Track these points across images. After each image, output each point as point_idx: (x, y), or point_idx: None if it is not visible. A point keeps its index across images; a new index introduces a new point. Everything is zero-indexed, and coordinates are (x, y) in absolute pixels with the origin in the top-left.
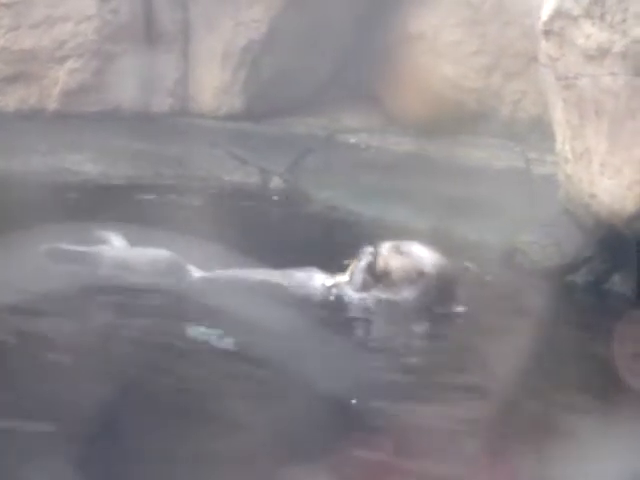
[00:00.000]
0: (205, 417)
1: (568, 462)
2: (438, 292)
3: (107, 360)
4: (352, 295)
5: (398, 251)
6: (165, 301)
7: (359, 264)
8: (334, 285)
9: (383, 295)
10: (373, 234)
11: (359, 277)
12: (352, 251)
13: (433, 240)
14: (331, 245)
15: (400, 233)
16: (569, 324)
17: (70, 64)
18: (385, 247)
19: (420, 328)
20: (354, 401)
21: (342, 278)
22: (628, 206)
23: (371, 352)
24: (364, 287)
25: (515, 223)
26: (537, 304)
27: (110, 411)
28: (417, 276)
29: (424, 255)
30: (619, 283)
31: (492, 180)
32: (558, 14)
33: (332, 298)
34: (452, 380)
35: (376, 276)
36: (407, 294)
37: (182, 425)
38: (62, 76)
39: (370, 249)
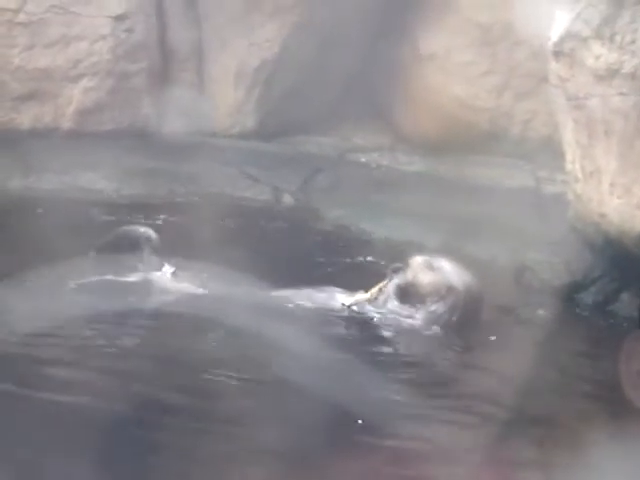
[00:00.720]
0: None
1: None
2: (465, 309)
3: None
4: (373, 313)
5: (429, 266)
6: (182, 321)
7: (389, 283)
8: (354, 303)
9: (405, 312)
10: (384, 252)
11: (387, 294)
12: (363, 269)
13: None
14: (342, 263)
15: (410, 251)
16: (576, 342)
17: (84, 83)
18: (415, 261)
19: (439, 347)
20: (360, 421)
21: (363, 296)
22: (637, 225)
23: (387, 369)
24: (393, 304)
25: (525, 242)
26: (545, 322)
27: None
28: (446, 292)
29: (453, 271)
30: (628, 302)
31: (502, 199)
32: (568, 35)
33: (353, 316)
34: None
35: (405, 294)
36: (435, 309)
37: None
38: (76, 95)
39: (398, 267)
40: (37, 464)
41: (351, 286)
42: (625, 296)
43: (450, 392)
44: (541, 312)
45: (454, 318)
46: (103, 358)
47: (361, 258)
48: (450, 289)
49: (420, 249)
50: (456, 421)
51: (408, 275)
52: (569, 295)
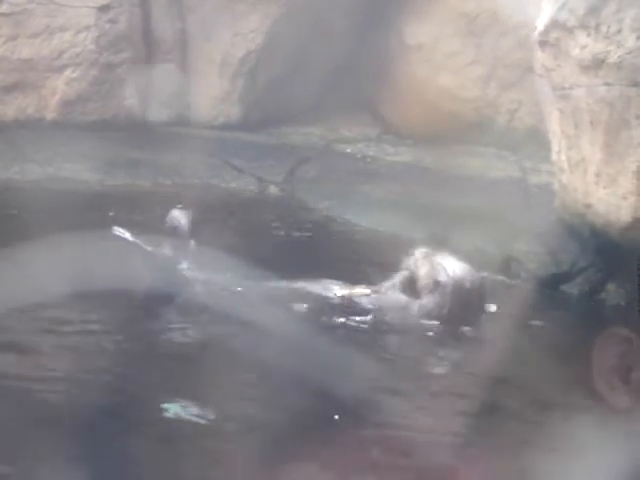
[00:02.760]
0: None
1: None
2: (455, 302)
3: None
4: (369, 305)
5: (426, 258)
6: (176, 309)
7: (397, 277)
8: (349, 296)
9: (400, 304)
10: (369, 243)
11: (393, 287)
12: (348, 260)
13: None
14: (328, 254)
15: (396, 242)
16: (562, 333)
17: (68, 74)
18: (417, 254)
19: (428, 340)
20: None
21: (361, 291)
22: (623, 216)
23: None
24: (393, 296)
25: (511, 232)
26: (531, 313)
27: None
28: (434, 285)
29: (448, 265)
30: (614, 292)
31: (488, 189)
32: (554, 25)
33: (348, 308)
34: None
35: (407, 286)
36: (426, 301)
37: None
38: (60, 85)
39: (410, 262)
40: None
41: (337, 277)
42: (611, 286)
43: (421, 385)
44: (526, 302)
45: (444, 311)
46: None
47: (346, 249)
48: (438, 282)
49: (406, 240)
50: (423, 411)
51: (410, 267)
52: (555, 285)
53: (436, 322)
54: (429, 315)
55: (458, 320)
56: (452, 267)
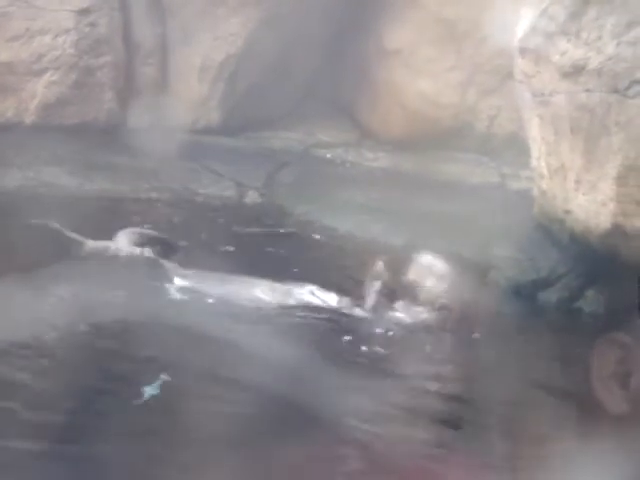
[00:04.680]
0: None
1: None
2: (456, 324)
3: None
4: (356, 314)
5: (432, 271)
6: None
7: (372, 284)
8: (338, 303)
9: (390, 314)
10: (348, 249)
11: (373, 297)
12: (327, 266)
13: (408, 256)
14: (306, 260)
15: (375, 248)
16: (540, 340)
17: (48, 77)
18: (420, 261)
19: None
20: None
21: (343, 298)
22: (602, 222)
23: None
24: (377, 307)
25: (490, 238)
26: (509, 320)
27: None
28: (441, 306)
29: (454, 283)
30: (593, 299)
31: (467, 195)
32: (534, 31)
33: (335, 317)
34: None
35: (389, 295)
36: (427, 318)
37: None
38: (40, 89)
39: (380, 267)
40: None
41: (317, 283)
42: (590, 293)
43: (401, 389)
44: (505, 309)
45: (444, 329)
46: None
47: (325, 255)
48: (445, 305)
49: (384, 246)
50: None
51: (410, 273)
52: (534, 292)
53: (429, 335)
54: (427, 330)
55: (456, 335)
56: (459, 288)
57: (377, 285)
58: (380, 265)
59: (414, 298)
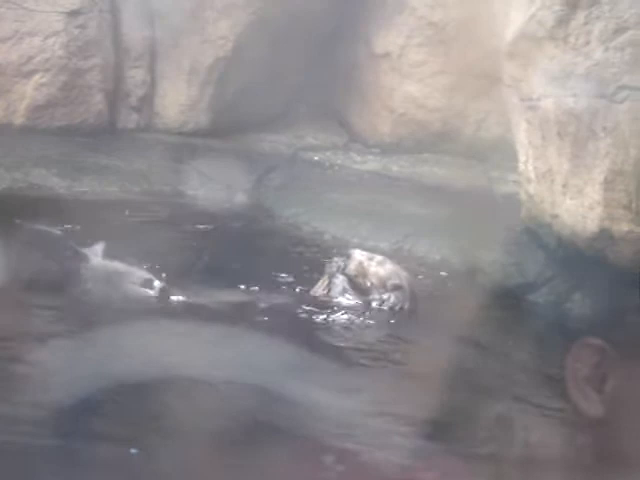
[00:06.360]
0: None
1: None
2: (411, 300)
3: None
4: (327, 302)
5: (375, 260)
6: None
7: (335, 274)
8: (311, 293)
9: (357, 301)
10: (335, 252)
11: (339, 285)
12: (314, 268)
13: (395, 258)
14: (293, 263)
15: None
16: (527, 344)
17: (37, 79)
18: (359, 255)
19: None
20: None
21: (317, 288)
22: (589, 226)
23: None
24: (344, 293)
25: (477, 242)
26: (495, 322)
27: None
28: (394, 286)
29: (395, 266)
30: (580, 302)
31: (454, 199)
32: (522, 36)
33: (308, 306)
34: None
35: (353, 283)
36: (387, 299)
37: None
38: (29, 91)
39: (340, 261)
40: None
41: (303, 285)
42: (577, 296)
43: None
44: (492, 312)
45: (405, 307)
46: None
47: (312, 257)
48: (398, 285)
49: (371, 249)
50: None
51: (352, 267)
52: (521, 295)
53: (398, 318)
54: (392, 309)
55: (412, 313)
56: (400, 271)
57: (340, 277)
58: (337, 260)
59: (365, 286)
